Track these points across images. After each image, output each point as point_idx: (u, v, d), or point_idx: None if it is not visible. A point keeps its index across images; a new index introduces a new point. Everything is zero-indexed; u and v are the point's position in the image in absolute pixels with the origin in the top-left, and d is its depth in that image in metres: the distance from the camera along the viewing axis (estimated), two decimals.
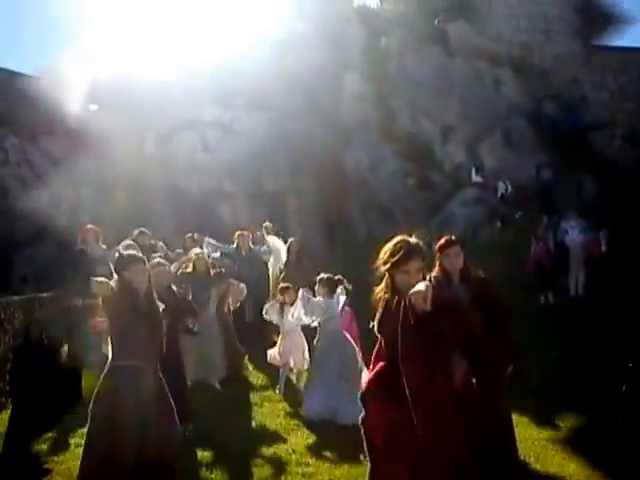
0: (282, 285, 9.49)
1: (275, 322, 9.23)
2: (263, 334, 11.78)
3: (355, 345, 8.22)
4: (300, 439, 7.42)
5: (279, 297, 9.20)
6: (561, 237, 15.52)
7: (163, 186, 20.18)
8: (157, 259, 7.63)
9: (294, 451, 6.95)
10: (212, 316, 9.45)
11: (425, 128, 22.06)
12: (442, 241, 5.53)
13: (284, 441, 7.33)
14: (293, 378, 9.82)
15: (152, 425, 5.02)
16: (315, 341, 8.44)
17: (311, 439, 7.41)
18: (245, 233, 12.51)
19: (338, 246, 17.44)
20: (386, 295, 4.18)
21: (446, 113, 22.04)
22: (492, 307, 5.18)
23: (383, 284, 4.23)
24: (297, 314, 8.54)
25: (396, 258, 4.04)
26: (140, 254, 5.49)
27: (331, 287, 8.36)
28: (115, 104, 21.20)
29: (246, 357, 10.25)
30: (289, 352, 9.06)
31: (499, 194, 20.24)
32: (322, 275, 8.55)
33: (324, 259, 14.55)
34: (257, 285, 11.89)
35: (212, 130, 21.27)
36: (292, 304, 8.93)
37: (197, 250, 10.36)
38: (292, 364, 9.21)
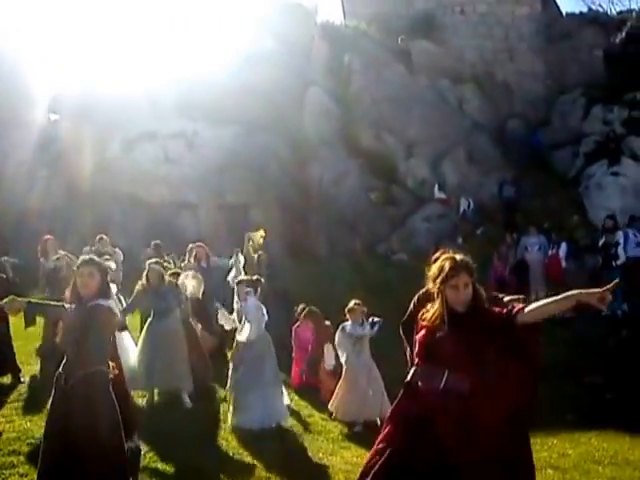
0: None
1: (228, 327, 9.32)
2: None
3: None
4: (275, 451, 7.45)
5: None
6: (521, 254, 15.63)
7: (126, 196, 20.00)
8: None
9: (274, 463, 6.96)
10: (175, 325, 9.25)
11: (389, 144, 22.13)
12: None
13: (248, 456, 7.26)
14: None
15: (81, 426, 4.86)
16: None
17: (279, 448, 7.50)
18: (202, 244, 12.52)
19: (301, 260, 17.37)
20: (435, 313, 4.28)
21: (409, 130, 22.16)
22: None
23: (437, 301, 4.29)
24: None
25: (445, 274, 4.17)
26: (96, 258, 5.39)
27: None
28: (76, 114, 20.93)
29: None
30: None
31: (461, 210, 20.34)
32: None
33: (288, 273, 14.57)
34: (222, 292, 11.74)
35: (175, 142, 21.08)
36: None
37: (151, 260, 10.17)
38: None
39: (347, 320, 9.00)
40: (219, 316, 9.21)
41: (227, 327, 9.32)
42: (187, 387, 8.96)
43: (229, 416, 8.36)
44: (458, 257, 4.26)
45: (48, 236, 11.96)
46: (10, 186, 19.93)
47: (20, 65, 21.95)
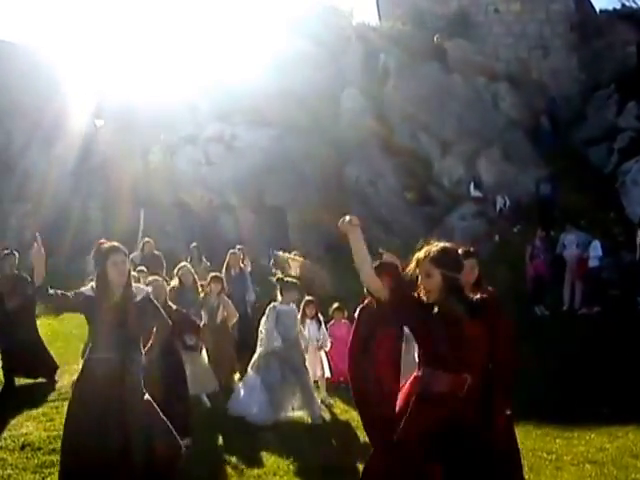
0: (307, 298, 9.63)
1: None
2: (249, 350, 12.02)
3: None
4: (298, 448, 7.40)
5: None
6: (560, 251, 15.68)
7: (167, 199, 20.39)
8: (154, 276, 7.74)
9: (292, 460, 6.96)
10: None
11: (424, 143, 22.24)
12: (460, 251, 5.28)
13: (282, 451, 7.29)
14: None
15: (131, 417, 4.95)
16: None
17: (309, 448, 7.45)
18: (237, 252, 12.42)
19: (339, 260, 17.56)
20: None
21: (444, 128, 22.23)
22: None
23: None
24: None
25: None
26: (122, 247, 5.39)
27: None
28: (119, 121, 21.44)
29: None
30: (312, 365, 9.25)
31: (498, 208, 20.35)
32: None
33: (325, 274, 14.78)
34: (241, 304, 11.79)
35: (214, 145, 21.47)
36: (312, 318, 9.36)
37: (183, 263, 10.43)
38: (315, 376, 9.41)
39: None
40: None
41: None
42: (208, 389, 9.07)
43: (254, 412, 8.41)
44: (433, 247, 4.14)
45: (102, 240, 12.31)
46: (55, 191, 20.43)
47: (65, 74, 22.51)
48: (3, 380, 9.52)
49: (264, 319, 8.63)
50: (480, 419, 3.98)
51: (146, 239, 13.46)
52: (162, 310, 5.65)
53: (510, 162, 21.78)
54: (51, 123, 21.49)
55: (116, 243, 5.38)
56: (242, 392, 8.62)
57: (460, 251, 4.87)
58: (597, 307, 14.41)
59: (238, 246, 13.12)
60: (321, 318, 9.68)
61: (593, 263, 14.88)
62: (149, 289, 5.51)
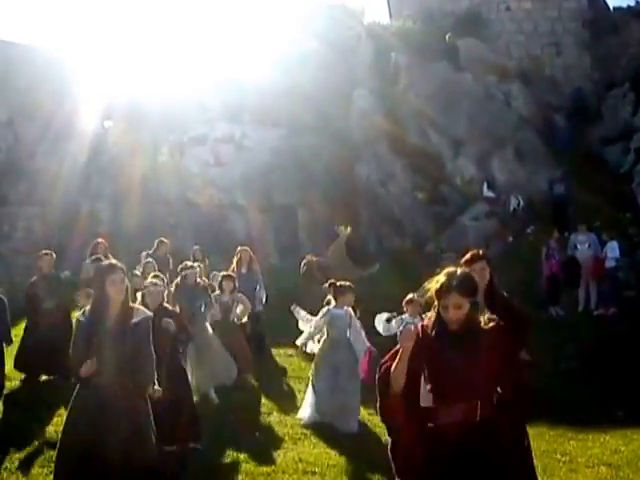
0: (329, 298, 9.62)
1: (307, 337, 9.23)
2: (263, 346, 12.03)
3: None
4: (307, 448, 7.50)
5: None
6: (571, 251, 15.50)
7: (176, 199, 20.37)
8: (151, 279, 7.66)
9: (301, 460, 7.01)
10: (203, 325, 9.49)
11: (435, 142, 22.02)
12: (468, 255, 5.20)
13: (291, 450, 7.38)
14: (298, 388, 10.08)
15: (121, 442, 4.96)
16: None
17: (318, 448, 7.48)
18: (247, 249, 12.38)
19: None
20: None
21: (456, 127, 22.00)
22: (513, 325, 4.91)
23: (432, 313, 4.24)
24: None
25: (437, 291, 4.12)
26: (119, 264, 5.38)
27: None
28: (128, 120, 21.42)
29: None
30: None
31: (511, 209, 20.15)
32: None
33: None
34: (255, 298, 11.91)
35: (224, 145, 21.40)
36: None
37: (188, 263, 10.42)
38: None
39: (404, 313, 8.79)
40: (301, 320, 9.31)
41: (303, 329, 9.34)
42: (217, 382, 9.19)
43: (301, 410, 8.54)
44: (457, 274, 4.13)
45: (99, 239, 12.32)
46: (64, 192, 20.42)
47: (74, 75, 22.48)
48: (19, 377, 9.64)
49: (317, 320, 8.66)
50: (491, 444, 3.98)
51: (161, 239, 13.36)
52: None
53: (523, 161, 21.58)
54: (61, 125, 21.43)
55: (114, 261, 5.44)
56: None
57: (469, 254, 5.18)
58: (613, 308, 14.23)
59: (244, 247, 12.91)
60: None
61: (610, 264, 14.71)
62: (150, 314, 5.44)
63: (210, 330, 9.57)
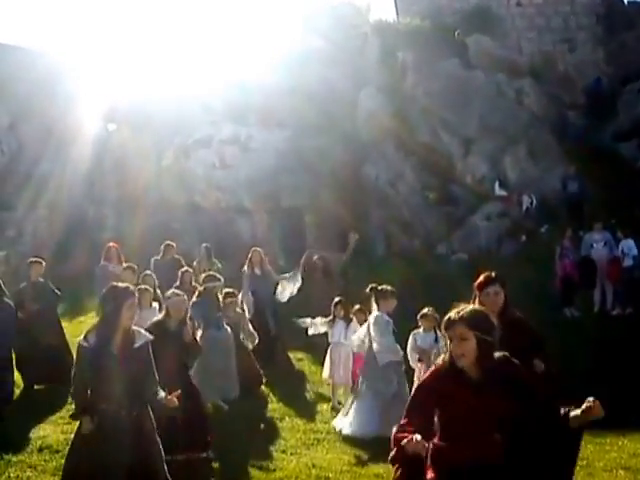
0: (336, 299, 9.61)
1: (319, 333, 9.46)
2: (284, 346, 11.97)
3: None
4: (320, 453, 7.48)
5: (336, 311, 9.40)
6: (586, 251, 15.04)
7: (182, 202, 20.18)
8: (172, 290, 7.50)
9: (314, 465, 6.97)
10: (223, 335, 9.18)
11: (445, 141, 21.61)
12: (481, 278, 5.11)
13: (304, 456, 7.35)
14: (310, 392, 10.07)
15: (133, 464, 5.04)
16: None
17: (331, 454, 7.44)
18: (258, 250, 12.27)
19: (356, 262, 17.13)
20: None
21: (466, 126, 21.59)
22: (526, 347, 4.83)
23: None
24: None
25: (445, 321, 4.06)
26: (132, 287, 5.50)
27: None
28: (132, 124, 21.26)
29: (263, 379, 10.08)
30: (337, 366, 9.21)
31: (524, 208, 19.71)
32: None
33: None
34: (272, 299, 11.95)
35: (229, 147, 21.14)
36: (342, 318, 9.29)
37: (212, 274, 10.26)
38: (337, 379, 9.29)
39: (419, 328, 8.38)
40: (317, 324, 9.42)
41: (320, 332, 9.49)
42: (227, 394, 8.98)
43: (340, 423, 8.30)
44: (466, 308, 4.05)
45: (112, 244, 12.32)
46: (69, 197, 20.32)
47: (78, 79, 22.37)
48: (21, 384, 9.60)
49: (374, 330, 8.22)
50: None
51: (167, 242, 13.23)
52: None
53: (535, 159, 21.12)
54: (65, 129, 21.35)
55: (130, 285, 5.57)
56: None
57: (482, 277, 5.15)
58: (630, 308, 13.80)
59: (256, 248, 12.70)
60: (354, 319, 9.47)
61: (627, 262, 14.24)
62: (150, 337, 5.42)
63: (231, 342, 9.29)
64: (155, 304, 9.77)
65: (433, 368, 4.17)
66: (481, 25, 24.33)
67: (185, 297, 7.45)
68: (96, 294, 11.23)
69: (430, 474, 3.91)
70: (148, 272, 11.24)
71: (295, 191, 19.85)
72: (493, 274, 5.20)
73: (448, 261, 18.18)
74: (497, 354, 4.03)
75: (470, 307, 4.09)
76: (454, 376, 3.95)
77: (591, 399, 3.92)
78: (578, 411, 3.94)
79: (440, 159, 21.34)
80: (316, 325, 9.47)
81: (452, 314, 3.99)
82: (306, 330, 9.94)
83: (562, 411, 4.07)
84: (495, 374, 3.92)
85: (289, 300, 12.00)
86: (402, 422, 4.03)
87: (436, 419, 4.02)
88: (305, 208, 19.80)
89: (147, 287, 9.59)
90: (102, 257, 11.91)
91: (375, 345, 8.13)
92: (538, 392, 4.13)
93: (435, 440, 4.00)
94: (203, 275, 10.35)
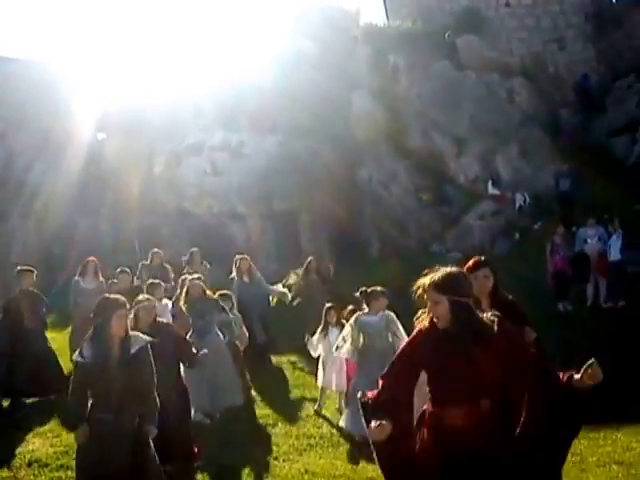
0: (327, 305, 9.67)
1: (317, 353, 9.44)
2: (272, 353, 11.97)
3: None
4: (313, 459, 7.43)
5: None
6: (580, 246, 15.05)
7: (174, 209, 20.16)
8: (142, 295, 7.42)
9: (307, 471, 6.95)
10: (217, 339, 9.07)
11: (437, 142, 21.66)
12: (470, 262, 5.15)
13: (297, 462, 7.31)
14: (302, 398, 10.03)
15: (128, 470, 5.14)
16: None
17: (324, 459, 7.40)
18: (245, 257, 12.29)
19: (350, 263, 17.12)
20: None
21: (458, 126, 21.65)
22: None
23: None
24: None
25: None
26: (122, 298, 5.49)
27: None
28: (123, 131, 21.22)
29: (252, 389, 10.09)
30: (330, 373, 9.18)
31: (517, 206, 19.76)
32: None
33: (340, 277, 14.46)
34: (261, 306, 12.02)
35: (220, 153, 21.11)
36: (335, 324, 9.32)
37: (195, 275, 10.07)
38: (333, 386, 9.25)
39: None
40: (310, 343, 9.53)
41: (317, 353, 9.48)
42: (238, 403, 8.90)
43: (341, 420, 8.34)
44: (437, 272, 4.13)
45: (91, 258, 12.14)
46: (60, 206, 20.28)
47: (69, 88, 22.36)
48: (10, 397, 9.49)
49: (346, 329, 8.46)
50: (495, 447, 3.90)
51: (155, 250, 13.31)
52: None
53: (528, 158, 21.18)
54: (56, 138, 21.31)
55: (120, 297, 5.55)
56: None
57: (472, 261, 5.14)
58: (622, 301, 13.81)
59: (242, 255, 12.67)
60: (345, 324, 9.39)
61: (615, 256, 14.25)
62: (148, 339, 5.51)
63: (225, 349, 9.17)
64: (166, 300, 9.78)
65: (417, 330, 4.24)
66: (471, 26, 24.36)
67: (155, 302, 7.47)
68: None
69: (427, 441, 4.03)
70: (124, 269, 11.45)
71: (288, 194, 19.79)
72: (482, 258, 5.23)
73: (442, 260, 18.14)
74: (487, 314, 4.12)
75: (442, 270, 4.14)
76: (436, 337, 4.04)
77: (592, 360, 4.00)
78: (577, 376, 4.03)
79: (433, 160, 21.38)
80: (312, 344, 9.51)
81: (425, 279, 4.11)
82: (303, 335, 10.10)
83: (562, 375, 4.14)
84: (478, 334, 3.98)
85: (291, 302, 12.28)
86: (381, 383, 4.14)
87: (426, 381, 4.11)
88: (299, 211, 19.76)
89: (159, 281, 9.67)
90: (78, 272, 11.77)
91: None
92: (530, 356, 4.16)
93: (425, 406, 4.14)
94: (181, 278, 10.27)
